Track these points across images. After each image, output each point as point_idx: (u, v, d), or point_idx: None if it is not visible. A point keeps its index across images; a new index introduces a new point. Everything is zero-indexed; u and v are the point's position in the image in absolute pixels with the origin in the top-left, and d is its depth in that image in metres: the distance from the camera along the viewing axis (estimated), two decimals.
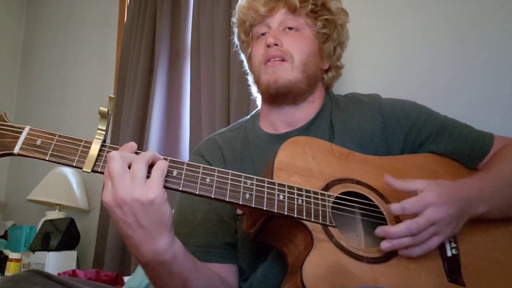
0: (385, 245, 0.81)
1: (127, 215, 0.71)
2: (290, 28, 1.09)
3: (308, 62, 1.07)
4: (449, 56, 1.41)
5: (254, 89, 1.22)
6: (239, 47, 1.23)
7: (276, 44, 1.05)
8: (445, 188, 0.84)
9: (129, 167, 0.72)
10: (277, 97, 1.07)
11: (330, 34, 1.12)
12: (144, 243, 0.73)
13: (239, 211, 1.00)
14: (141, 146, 2.18)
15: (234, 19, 1.20)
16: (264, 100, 1.14)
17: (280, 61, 1.04)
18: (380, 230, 0.81)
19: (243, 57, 1.24)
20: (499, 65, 1.33)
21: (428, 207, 0.80)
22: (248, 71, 1.23)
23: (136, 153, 0.75)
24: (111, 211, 0.72)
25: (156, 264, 0.76)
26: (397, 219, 0.87)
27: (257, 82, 1.11)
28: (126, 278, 1.78)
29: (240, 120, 1.21)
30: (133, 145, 0.76)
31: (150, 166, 0.73)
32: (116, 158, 0.71)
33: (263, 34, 1.11)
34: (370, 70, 1.57)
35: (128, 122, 2.29)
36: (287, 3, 1.08)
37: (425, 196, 0.81)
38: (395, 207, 0.81)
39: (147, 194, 0.70)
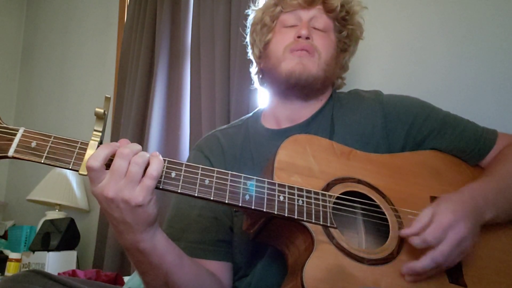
0: (410, 279, 0.80)
1: (114, 210, 0.73)
2: (315, 29, 1.09)
3: (330, 63, 1.08)
4: (445, 55, 1.41)
5: (257, 83, 1.20)
6: (250, 30, 1.19)
7: (308, 38, 1.05)
8: (454, 203, 0.82)
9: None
10: (294, 88, 1.06)
11: (350, 45, 1.14)
12: (126, 233, 0.76)
13: None
14: (141, 146, 2.17)
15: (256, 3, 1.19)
16: (274, 92, 1.12)
17: (308, 53, 1.04)
18: (406, 269, 0.79)
19: (248, 40, 1.20)
20: (495, 63, 1.33)
21: (449, 231, 0.78)
22: (252, 57, 1.20)
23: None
24: (99, 202, 0.74)
25: (136, 251, 0.78)
26: (400, 219, 0.86)
27: (273, 69, 1.08)
28: (126, 278, 1.77)
29: (243, 117, 1.20)
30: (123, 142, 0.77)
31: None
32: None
33: (289, 26, 1.10)
34: (369, 68, 1.57)
35: (128, 122, 2.29)
36: (326, 1, 1.09)
37: (441, 220, 0.79)
38: (417, 241, 0.79)
39: (136, 199, 0.71)
